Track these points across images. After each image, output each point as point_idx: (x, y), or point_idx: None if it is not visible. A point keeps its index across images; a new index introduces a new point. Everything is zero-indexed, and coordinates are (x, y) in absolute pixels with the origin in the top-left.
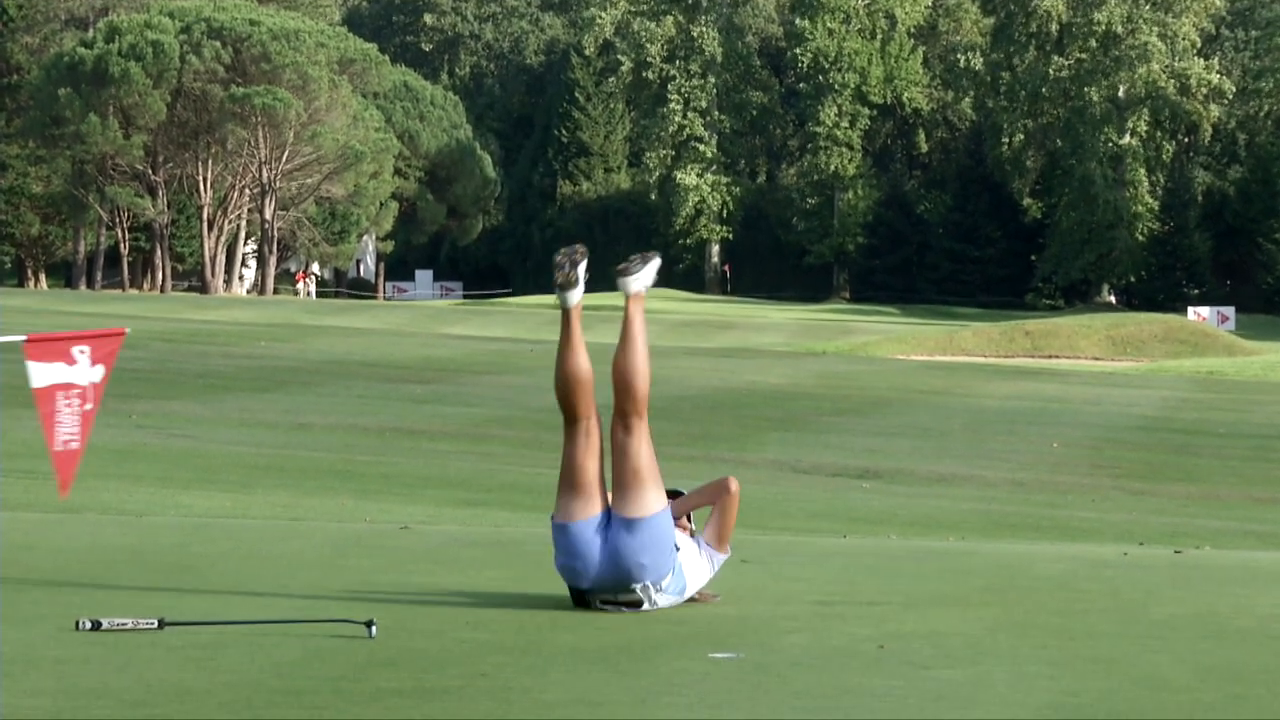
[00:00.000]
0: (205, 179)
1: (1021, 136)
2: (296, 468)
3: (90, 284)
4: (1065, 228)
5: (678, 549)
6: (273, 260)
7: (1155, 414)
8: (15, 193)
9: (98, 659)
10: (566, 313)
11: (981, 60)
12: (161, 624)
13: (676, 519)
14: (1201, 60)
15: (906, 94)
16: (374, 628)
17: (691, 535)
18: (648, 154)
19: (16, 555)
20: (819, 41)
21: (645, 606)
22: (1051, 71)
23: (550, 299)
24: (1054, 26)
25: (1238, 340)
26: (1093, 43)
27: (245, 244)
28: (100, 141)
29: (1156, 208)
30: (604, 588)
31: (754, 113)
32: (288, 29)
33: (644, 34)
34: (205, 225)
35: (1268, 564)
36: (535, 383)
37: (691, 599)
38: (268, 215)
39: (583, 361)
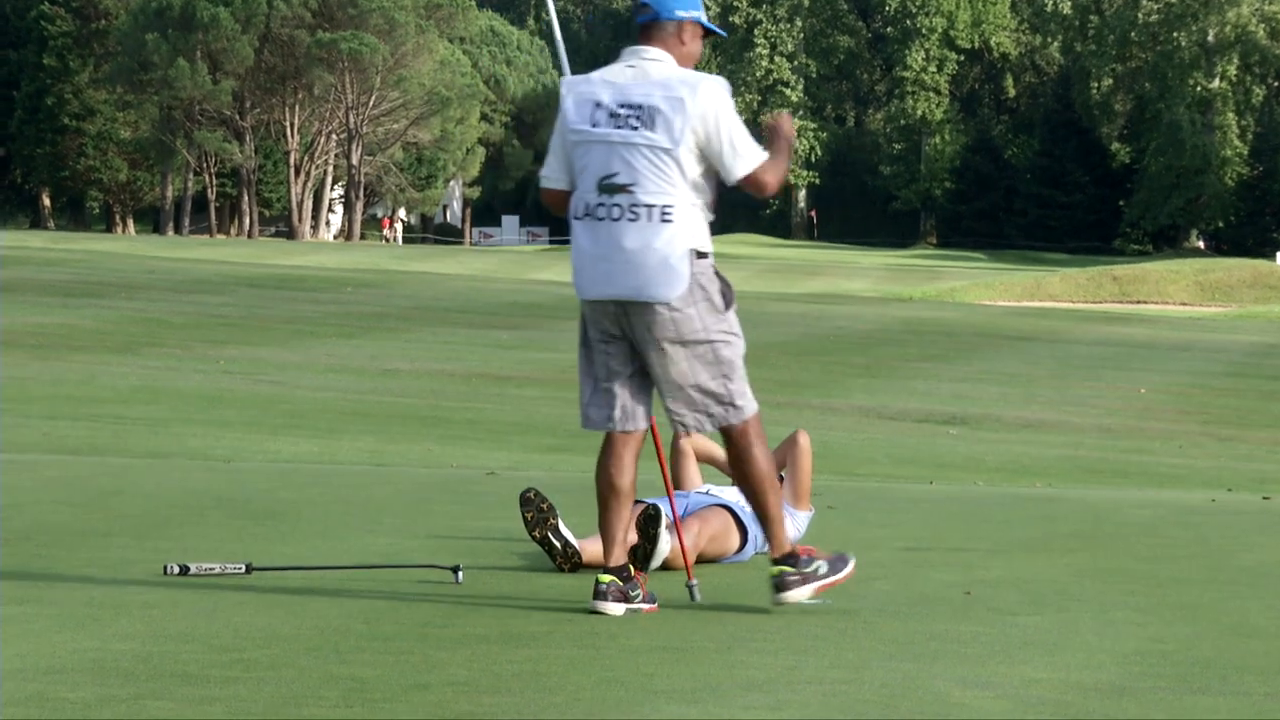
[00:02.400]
0: (292, 124)
1: (1110, 81)
2: (383, 413)
3: (178, 229)
4: (1153, 173)
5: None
6: (359, 206)
7: (1243, 360)
8: (103, 138)
9: (186, 603)
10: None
11: (1070, 4)
12: (249, 569)
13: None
14: None
15: (994, 38)
16: (460, 573)
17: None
18: (734, 98)
19: (105, 500)
20: None
21: (728, 559)
22: (1140, 15)
23: None
24: None
25: None
26: None
27: (332, 190)
28: (188, 87)
29: (1245, 152)
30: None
31: (841, 57)
32: None
33: None
34: (292, 171)
35: None
36: None
37: None
38: (354, 161)
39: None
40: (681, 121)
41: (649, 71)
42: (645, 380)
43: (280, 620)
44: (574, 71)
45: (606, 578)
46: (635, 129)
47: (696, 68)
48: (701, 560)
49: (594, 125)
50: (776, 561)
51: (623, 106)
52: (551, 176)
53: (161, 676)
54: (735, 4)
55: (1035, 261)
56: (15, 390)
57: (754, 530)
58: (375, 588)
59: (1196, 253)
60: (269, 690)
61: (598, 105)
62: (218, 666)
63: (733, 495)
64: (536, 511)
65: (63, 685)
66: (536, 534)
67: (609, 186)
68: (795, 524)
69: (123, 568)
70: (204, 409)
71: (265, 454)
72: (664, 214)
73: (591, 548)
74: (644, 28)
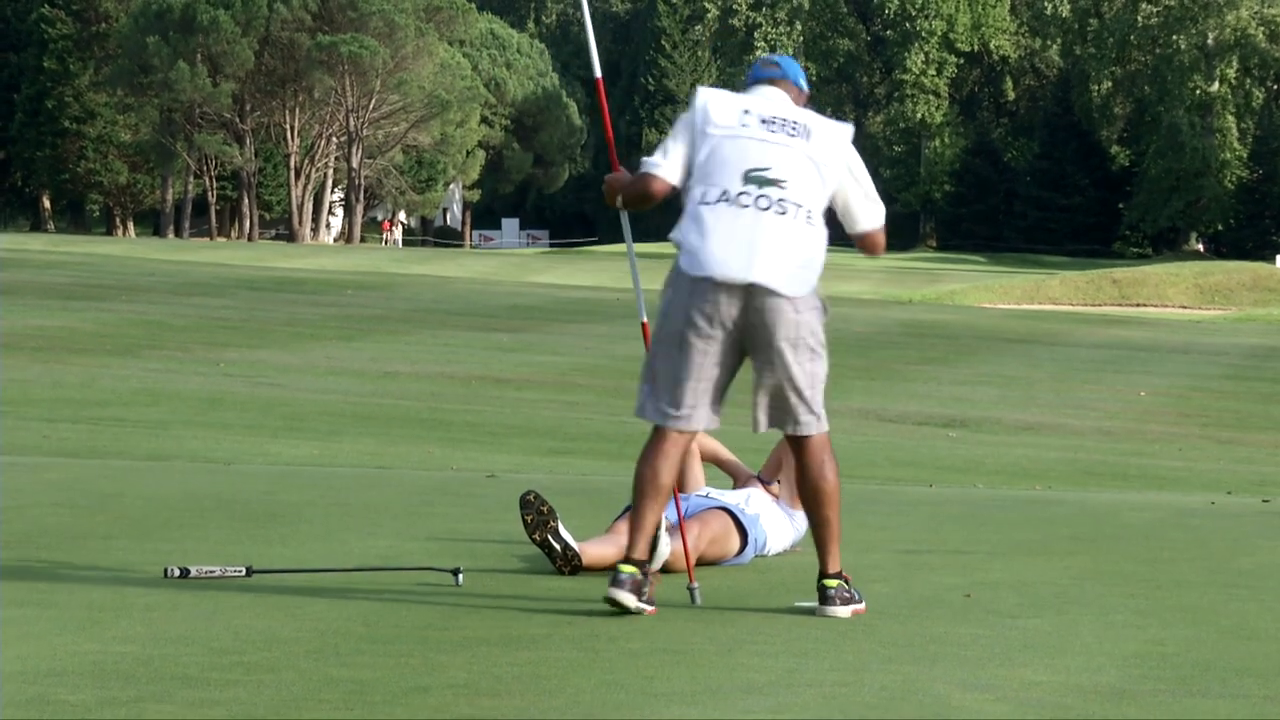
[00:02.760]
0: (292, 127)
1: (1109, 84)
2: (383, 416)
3: (178, 232)
4: (1153, 175)
5: (757, 516)
6: (359, 208)
7: (1243, 363)
8: (104, 141)
9: (186, 606)
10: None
11: (1069, 7)
12: (250, 571)
13: (766, 483)
14: None
15: (994, 41)
16: (460, 575)
17: (776, 499)
18: None
19: (106, 503)
20: None
21: (728, 562)
22: (1140, 18)
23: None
24: None
25: None
26: None
27: (332, 192)
28: (188, 89)
29: (1245, 155)
30: None
31: (841, 60)
32: None
33: None
34: (292, 173)
35: None
36: (621, 331)
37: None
38: (354, 163)
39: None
40: (833, 155)
41: (790, 104)
42: (723, 383)
43: (280, 623)
44: (576, 77)
45: (628, 568)
46: (793, 136)
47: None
48: (701, 563)
49: (744, 125)
50: (832, 576)
51: (776, 118)
52: (664, 166)
53: (162, 679)
54: (735, 7)
55: (1035, 264)
56: (16, 393)
57: (754, 533)
58: (375, 590)
59: (1196, 256)
60: (269, 693)
61: (746, 111)
62: (218, 669)
63: (733, 498)
64: (536, 514)
65: (63, 688)
66: (536, 536)
67: (759, 179)
68: (795, 524)
69: (123, 570)
70: (204, 411)
71: (265, 456)
72: (809, 217)
73: (592, 550)
74: (770, 79)
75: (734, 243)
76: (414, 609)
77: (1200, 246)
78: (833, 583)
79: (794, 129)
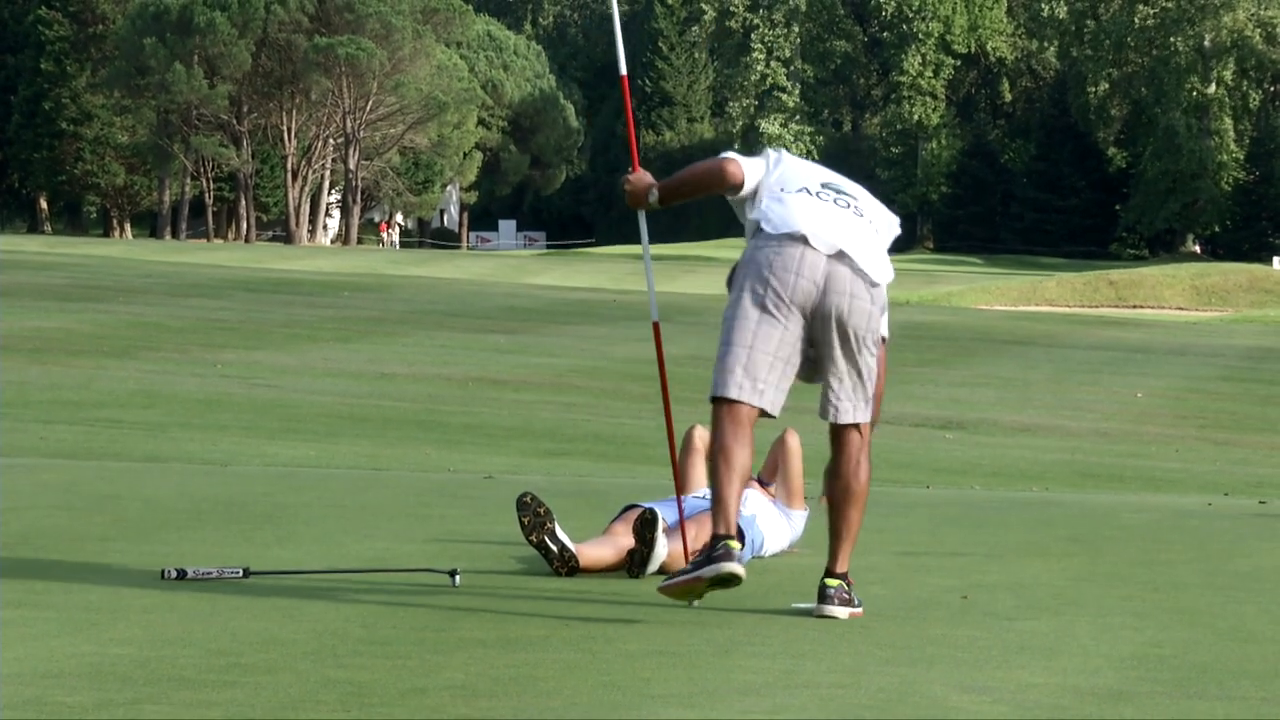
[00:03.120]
0: (289, 129)
1: (1106, 86)
2: (380, 417)
3: (175, 234)
4: (1150, 177)
5: (753, 516)
6: (356, 210)
7: (1240, 364)
8: (101, 143)
9: (184, 608)
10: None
11: (1066, 8)
12: (247, 573)
13: (765, 485)
14: None
15: (990, 43)
16: (458, 577)
17: (772, 499)
18: (731, 103)
19: (103, 504)
20: None
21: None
22: (1136, 20)
23: (635, 248)
24: None
25: None
26: None
27: (329, 194)
28: (185, 91)
29: (1242, 157)
30: None
31: (837, 62)
32: None
33: None
34: (289, 175)
35: None
36: (618, 333)
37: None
38: (351, 165)
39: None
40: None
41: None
42: (793, 366)
43: (278, 624)
44: (573, 79)
45: (735, 544)
46: (847, 207)
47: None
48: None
49: (807, 190)
50: (836, 575)
51: (827, 187)
52: (738, 159)
53: (159, 681)
54: (732, 9)
55: (1031, 266)
56: (13, 394)
57: (749, 534)
58: (373, 592)
59: (1193, 257)
60: (266, 695)
61: (811, 182)
62: (215, 671)
63: (763, 503)
64: (533, 515)
65: (60, 689)
66: (533, 538)
67: (834, 188)
68: (792, 524)
69: (120, 572)
70: (201, 413)
71: (262, 458)
72: (877, 231)
73: (589, 552)
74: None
75: (824, 220)
76: (411, 611)
77: (1197, 248)
78: (834, 582)
79: (852, 204)
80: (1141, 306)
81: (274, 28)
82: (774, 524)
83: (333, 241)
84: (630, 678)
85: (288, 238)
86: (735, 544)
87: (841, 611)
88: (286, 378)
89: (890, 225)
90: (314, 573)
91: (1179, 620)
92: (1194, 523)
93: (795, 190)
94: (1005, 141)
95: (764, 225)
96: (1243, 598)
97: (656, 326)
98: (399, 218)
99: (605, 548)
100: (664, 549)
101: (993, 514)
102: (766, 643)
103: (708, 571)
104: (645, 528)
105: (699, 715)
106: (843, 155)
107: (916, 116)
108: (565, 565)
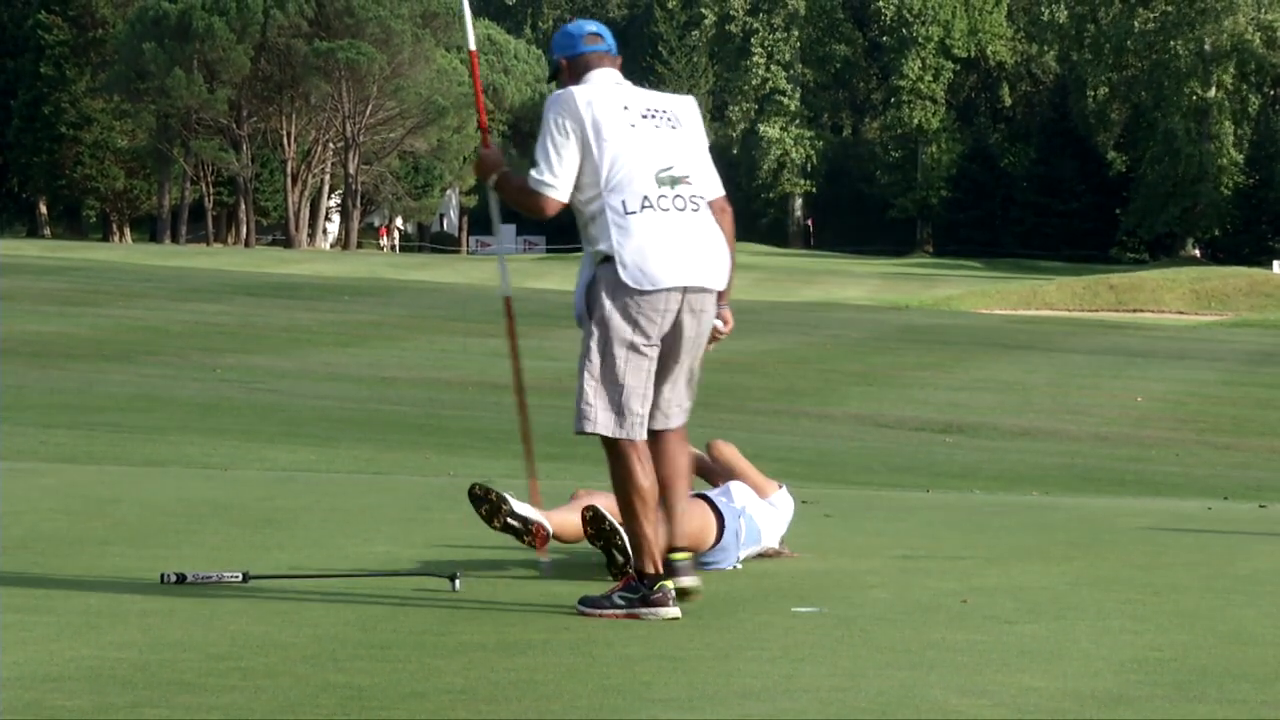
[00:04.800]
0: (289, 133)
1: (1106, 90)
2: (380, 421)
3: (175, 238)
4: (1149, 181)
5: (742, 509)
6: (356, 214)
7: (1240, 368)
8: (100, 147)
9: (183, 612)
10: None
11: (1066, 13)
12: (246, 577)
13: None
14: None
15: (990, 47)
16: (458, 581)
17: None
18: (731, 107)
19: (102, 508)
20: None
21: (726, 565)
22: (1136, 24)
23: None
24: None
25: None
26: None
27: (329, 198)
28: (184, 96)
29: (1242, 161)
30: None
31: (837, 66)
32: None
33: None
34: (289, 179)
35: None
36: None
37: (765, 554)
38: (351, 169)
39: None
40: (699, 134)
41: (635, 89)
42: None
43: (277, 628)
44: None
45: (681, 556)
46: (675, 128)
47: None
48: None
49: (632, 125)
50: (676, 550)
51: (649, 109)
52: (557, 187)
53: (159, 685)
54: (732, 13)
55: (1032, 270)
56: (12, 398)
57: (732, 524)
58: (372, 596)
59: (1193, 261)
60: (266, 698)
61: (625, 108)
62: (215, 675)
63: (712, 492)
64: (489, 505)
65: (60, 694)
66: (496, 524)
67: (668, 179)
68: (779, 513)
69: (120, 576)
70: (201, 417)
71: (262, 462)
72: (706, 208)
73: (557, 517)
74: (603, 56)
75: (670, 250)
76: (411, 614)
77: (1197, 252)
78: (680, 555)
79: (670, 119)
80: (1141, 310)
81: (273, 32)
82: (764, 513)
83: (332, 246)
84: (630, 681)
85: (287, 242)
86: (669, 582)
87: (693, 580)
88: (286, 382)
89: (699, 132)
90: (313, 576)
91: (1179, 624)
92: (1193, 527)
93: (639, 205)
94: (1005, 145)
95: (622, 275)
96: (1242, 601)
97: (508, 302)
98: (399, 222)
99: (573, 513)
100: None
101: (992, 518)
102: (766, 647)
103: (647, 614)
104: (597, 523)
105: (698, 718)
106: (842, 159)
107: (916, 120)
108: (535, 536)
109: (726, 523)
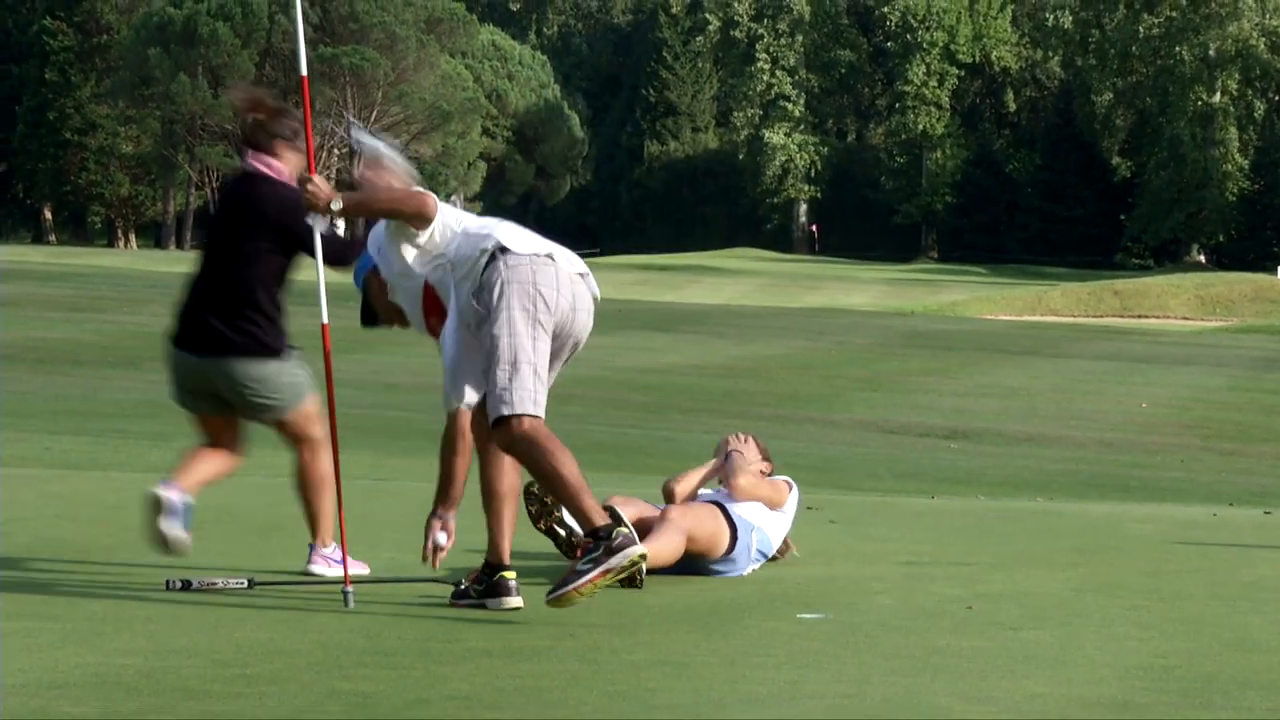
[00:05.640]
0: None
1: (1111, 95)
2: (384, 428)
3: (180, 244)
4: (1155, 187)
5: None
6: (361, 220)
7: (1244, 374)
8: (105, 153)
9: (189, 618)
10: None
11: (1071, 18)
12: (251, 584)
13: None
14: None
15: (995, 52)
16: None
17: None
18: (735, 113)
19: (108, 515)
20: (907, 0)
21: (733, 574)
22: (1141, 30)
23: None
24: None
25: None
26: (1183, 1)
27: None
28: (189, 101)
29: (1247, 167)
30: None
31: (842, 71)
32: None
33: None
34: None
35: None
36: (622, 342)
37: (774, 557)
38: (356, 175)
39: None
40: None
41: None
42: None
43: (283, 635)
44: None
45: (511, 574)
46: None
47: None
48: (690, 558)
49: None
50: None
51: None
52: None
53: (165, 691)
54: (737, 19)
55: (1036, 275)
56: (17, 404)
57: (745, 539)
58: (377, 603)
59: (1197, 267)
60: (272, 705)
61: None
62: (221, 681)
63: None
64: (540, 504)
65: (66, 700)
66: (542, 525)
67: None
68: (788, 516)
69: (125, 583)
70: None
71: (267, 469)
72: None
73: None
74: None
75: (547, 241)
76: (415, 621)
77: (1202, 258)
78: (510, 574)
79: None
80: (1146, 316)
81: (278, 38)
82: (775, 523)
83: None
84: (635, 688)
85: None
86: (625, 528)
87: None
88: None
89: None
90: (318, 583)
91: (1184, 630)
92: (1199, 533)
93: (472, 223)
94: (1010, 151)
95: (507, 244)
96: (1248, 608)
97: (325, 329)
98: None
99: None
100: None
101: (997, 524)
102: (772, 653)
103: (618, 561)
104: (532, 502)
105: None
106: (847, 165)
107: (921, 126)
108: (574, 550)
109: (740, 536)
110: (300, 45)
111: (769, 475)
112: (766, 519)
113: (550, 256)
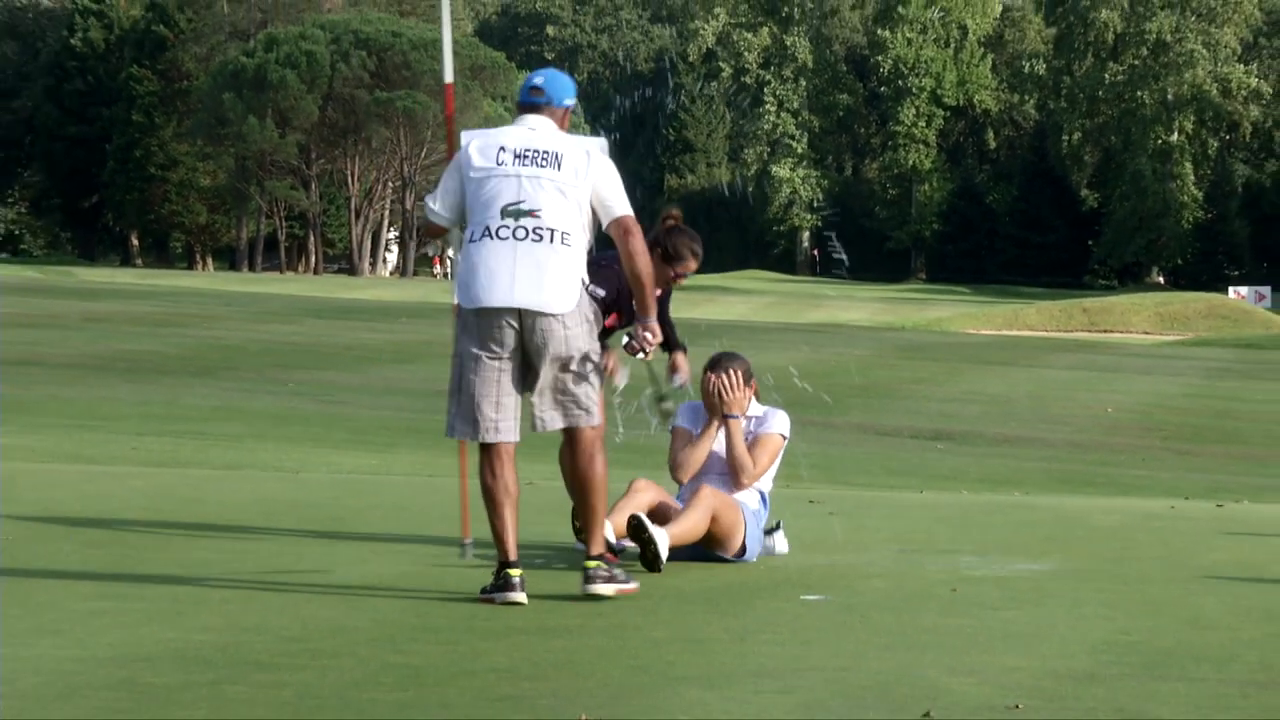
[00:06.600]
0: (353, 173)
1: (1080, 135)
2: (434, 430)
3: (251, 267)
4: (1119, 216)
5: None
6: (412, 245)
7: (1199, 382)
8: (185, 186)
9: (260, 599)
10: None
11: (1044, 66)
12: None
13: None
14: (1241, 66)
15: (977, 96)
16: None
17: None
18: (746, 150)
19: (187, 507)
20: (899, 50)
21: (746, 557)
22: (1107, 76)
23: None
24: (1110, 36)
25: (1273, 316)
26: (1144, 50)
27: (388, 231)
28: (259, 140)
29: (1201, 198)
30: None
31: (840, 113)
32: (425, 39)
33: (742, 43)
34: (353, 214)
35: None
36: None
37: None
38: (408, 205)
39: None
40: (586, 170)
41: (545, 132)
42: (519, 399)
43: (344, 614)
44: (604, 128)
45: (516, 572)
46: (543, 167)
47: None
48: (707, 544)
49: (499, 164)
50: (593, 557)
51: (528, 150)
52: (438, 212)
53: (237, 664)
54: (747, 66)
55: (1014, 295)
56: (108, 409)
57: (755, 548)
58: (428, 585)
59: (1157, 287)
60: (333, 676)
61: (502, 149)
62: (287, 655)
63: (753, 503)
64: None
65: (150, 672)
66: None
67: (514, 211)
68: (763, 505)
69: (202, 567)
70: (275, 426)
71: (329, 466)
72: (564, 239)
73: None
74: (534, 106)
75: (498, 273)
76: (461, 602)
77: (1161, 279)
78: (593, 563)
79: (544, 159)
80: (1111, 331)
81: (339, 83)
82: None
83: (391, 273)
84: (656, 661)
85: (351, 270)
86: (516, 572)
87: (608, 588)
88: (351, 394)
89: (581, 173)
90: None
91: (1145, 610)
92: (1158, 523)
93: (480, 235)
94: (990, 184)
95: (458, 295)
96: (1202, 590)
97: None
98: (449, 252)
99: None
100: (664, 538)
101: (979, 516)
102: (777, 630)
103: (498, 598)
104: (637, 532)
105: (718, 696)
106: (845, 196)
107: (911, 162)
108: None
109: (749, 546)
110: (446, 51)
111: (753, 397)
112: (750, 505)
113: (489, 308)
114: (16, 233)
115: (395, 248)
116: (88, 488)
